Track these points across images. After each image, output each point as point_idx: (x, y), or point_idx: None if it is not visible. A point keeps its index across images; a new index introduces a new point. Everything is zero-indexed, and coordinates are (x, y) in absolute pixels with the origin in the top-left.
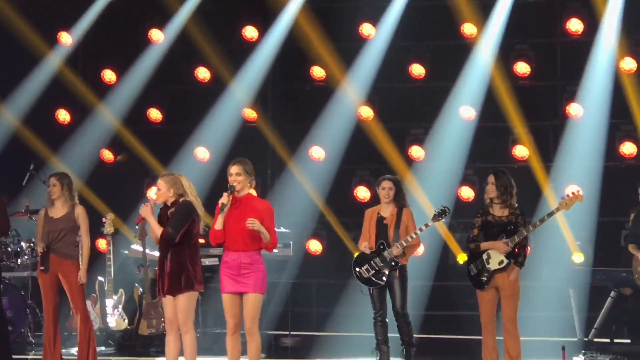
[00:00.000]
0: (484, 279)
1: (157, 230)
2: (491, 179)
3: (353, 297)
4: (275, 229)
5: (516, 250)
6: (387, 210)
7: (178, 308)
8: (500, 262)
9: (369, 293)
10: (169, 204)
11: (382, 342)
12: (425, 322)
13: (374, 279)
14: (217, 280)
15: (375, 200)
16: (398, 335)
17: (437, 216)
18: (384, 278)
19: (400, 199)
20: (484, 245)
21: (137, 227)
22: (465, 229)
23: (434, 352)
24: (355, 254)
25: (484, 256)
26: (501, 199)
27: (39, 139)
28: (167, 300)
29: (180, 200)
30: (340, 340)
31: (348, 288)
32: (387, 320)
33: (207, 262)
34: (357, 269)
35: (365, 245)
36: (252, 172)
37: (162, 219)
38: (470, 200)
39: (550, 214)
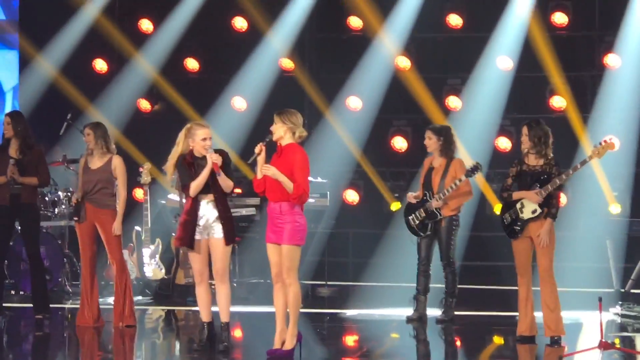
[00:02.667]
0: (518, 228)
1: (229, 180)
2: (525, 130)
3: (389, 247)
4: (312, 179)
5: (551, 200)
6: (437, 160)
7: (221, 257)
8: (534, 211)
9: (417, 242)
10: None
11: (421, 292)
12: (463, 273)
13: (417, 229)
14: (253, 230)
15: (412, 150)
16: (439, 285)
17: (470, 172)
18: (427, 229)
19: (447, 149)
20: (516, 194)
21: (174, 176)
22: (502, 180)
23: (470, 302)
24: (392, 204)
25: (518, 205)
26: (535, 150)
27: (76, 89)
28: (199, 255)
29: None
30: (377, 290)
31: (384, 238)
32: (430, 271)
33: (243, 211)
34: (406, 218)
35: (411, 194)
36: (293, 122)
37: (189, 168)
38: (507, 150)
39: (583, 162)
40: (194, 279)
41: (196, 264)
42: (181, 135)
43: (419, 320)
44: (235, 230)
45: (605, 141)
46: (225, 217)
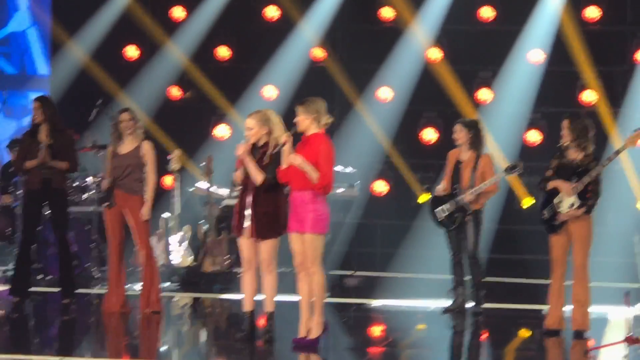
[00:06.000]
0: (557, 223)
1: (257, 176)
2: (566, 123)
3: (417, 238)
4: (342, 168)
5: (588, 195)
6: (466, 154)
7: (265, 249)
8: (571, 205)
9: (446, 235)
10: (259, 143)
11: (459, 284)
12: (490, 265)
13: (445, 222)
14: None
15: (441, 142)
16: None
17: (509, 169)
18: (455, 222)
19: (476, 143)
20: (551, 183)
21: (202, 164)
22: (531, 173)
23: (498, 294)
24: (421, 196)
25: (555, 200)
26: (576, 143)
27: (107, 75)
28: (247, 243)
29: (273, 140)
30: (404, 281)
31: (412, 229)
32: (464, 262)
33: None
34: (433, 210)
35: (440, 187)
36: (316, 111)
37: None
38: (536, 144)
39: (617, 152)
40: (227, 266)
41: (243, 251)
42: None
43: (457, 312)
44: (270, 226)
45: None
46: (256, 210)
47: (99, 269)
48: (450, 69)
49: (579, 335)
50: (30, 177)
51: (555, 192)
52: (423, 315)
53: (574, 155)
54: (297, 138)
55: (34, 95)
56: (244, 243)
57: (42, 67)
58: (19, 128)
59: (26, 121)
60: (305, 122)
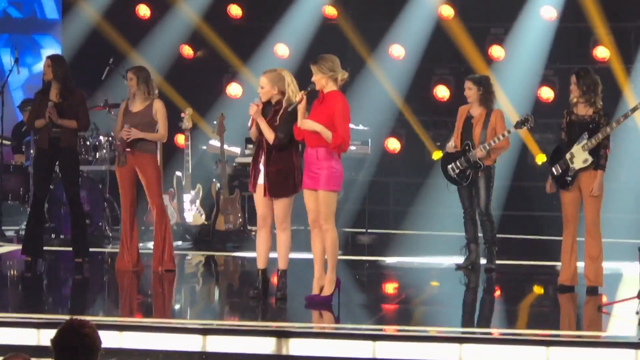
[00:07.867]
0: (569, 178)
1: (269, 135)
2: (573, 78)
3: (430, 196)
4: (354, 126)
5: (600, 151)
6: (476, 110)
7: (279, 207)
8: (585, 161)
9: (458, 192)
10: (273, 102)
11: (471, 240)
12: (503, 222)
13: (457, 178)
14: None
15: (454, 99)
16: (481, 234)
17: (520, 123)
18: (468, 178)
19: (487, 99)
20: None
21: (214, 122)
22: (544, 130)
23: (511, 251)
24: (434, 153)
25: (567, 156)
26: (584, 98)
27: (119, 34)
28: (262, 199)
29: (286, 101)
30: (416, 238)
31: (425, 187)
32: (477, 218)
33: None
34: (444, 167)
35: (451, 144)
36: (331, 69)
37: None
38: (549, 101)
39: (634, 109)
40: (240, 224)
41: (258, 208)
42: None
43: (470, 269)
44: (283, 185)
45: None
46: (268, 169)
47: (111, 228)
48: (462, 26)
49: (592, 291)
50: (40, 136)
51: (562, 148)
52: (436, 272)
53: (584, 111)
54: (314, 96)
55: (43, 40)
56: (259, 200)
57: (52, 12)
58: (30, 75)
59: (37, 69)
60: (322, 81)
